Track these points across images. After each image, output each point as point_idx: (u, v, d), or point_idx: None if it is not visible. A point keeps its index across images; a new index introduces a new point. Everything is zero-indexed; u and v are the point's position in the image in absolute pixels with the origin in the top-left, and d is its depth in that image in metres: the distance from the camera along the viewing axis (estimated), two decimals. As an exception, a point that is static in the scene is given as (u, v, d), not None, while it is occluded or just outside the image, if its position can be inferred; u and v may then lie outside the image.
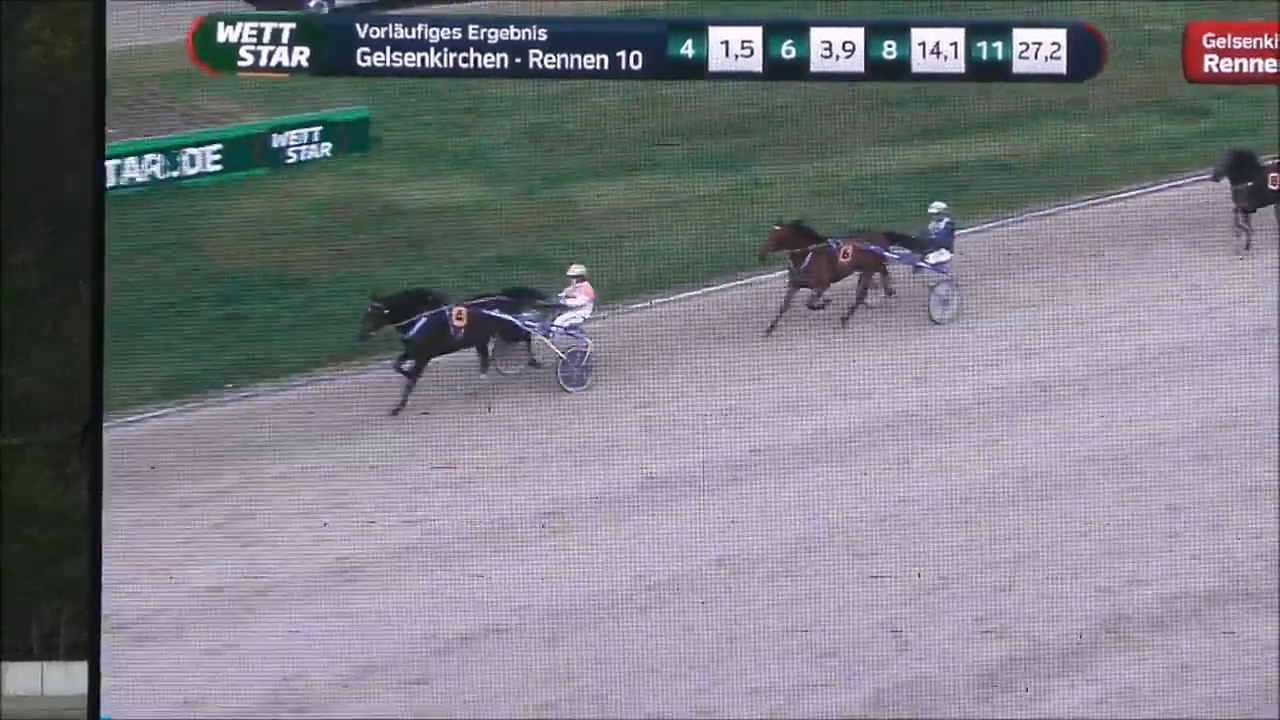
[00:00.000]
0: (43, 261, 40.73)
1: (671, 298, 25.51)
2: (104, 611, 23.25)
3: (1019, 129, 25.36)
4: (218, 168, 25.49)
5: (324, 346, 24.86)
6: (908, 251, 25.69)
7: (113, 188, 24.62)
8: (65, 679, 38.03)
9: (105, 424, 23.88)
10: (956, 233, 25.67)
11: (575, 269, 25.11)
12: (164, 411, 24.39)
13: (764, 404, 24.67)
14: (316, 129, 25.75)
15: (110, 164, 24.91)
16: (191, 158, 25.42)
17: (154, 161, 25.18)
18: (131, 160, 25.08)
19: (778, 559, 23.68)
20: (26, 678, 39.33)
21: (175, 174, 25.29)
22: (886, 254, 25.59)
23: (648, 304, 25.51)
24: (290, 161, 25.77)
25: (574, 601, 23.38)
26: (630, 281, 25.54)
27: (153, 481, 23.93)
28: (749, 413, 24.61)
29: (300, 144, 25.83)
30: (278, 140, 25.70)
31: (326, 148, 25.85)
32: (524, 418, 24.57)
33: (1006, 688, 23.11)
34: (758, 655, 23.14)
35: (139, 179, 25.16)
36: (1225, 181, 26.10)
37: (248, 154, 25.60)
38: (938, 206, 25.64)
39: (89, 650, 23.32)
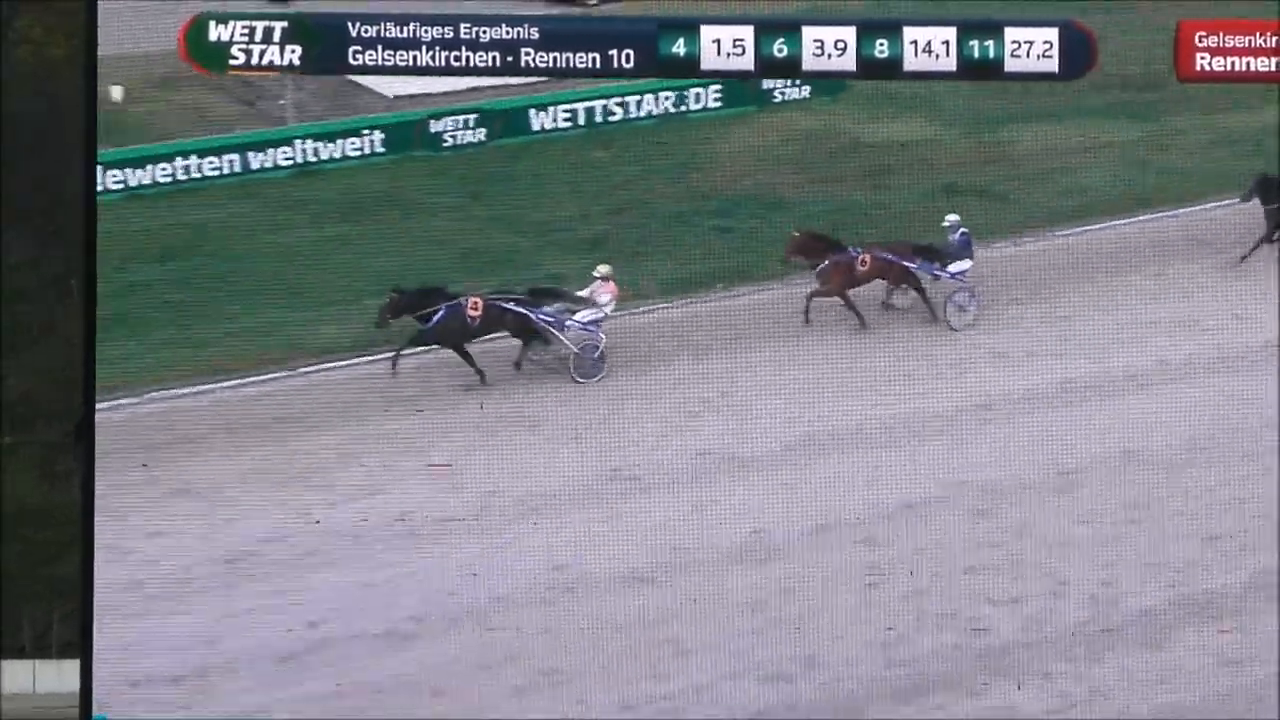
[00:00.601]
0: (41, 261, 40.06)
1: (1087, 228, 26.88)
2: (96, 609, 22.91)
3: None
4: (718, 104, 27.48)
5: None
6: (928, 261, 25.94)
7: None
8: (58, 677, 37.56)
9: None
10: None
11: (601, 269, 25.29)
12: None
13: (1162, 320, 25.84)
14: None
15: (636, 98, 26.95)
16: (697, 95, 27.49)
17: (667, 99, 27.35)
18: (649, 96, 27.21)
19: (1182, 455, 24.73)
20: (20, 676, 38.87)
21: (684, 108, 27.40)
22: (907, 263, 25.77)
23: (1080, 230, 26.60)
24: (776, 101, 27.60)
25: (1001, 482, 24.54)
26: (1062, 212, 26.94)
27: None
28: (1148, 326, 25.75)
29: (785, 86, 27.65)
30: (767, 84, 27.58)
31: (806, 90, 27.63)
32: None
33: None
34: (1153, 537, 24.29)
35: (655, 112, 27.13)
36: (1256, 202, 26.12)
37: (743, 94, 27.54)
38: (951, 219, 25.79)
39: (81, 648, 22.88)
